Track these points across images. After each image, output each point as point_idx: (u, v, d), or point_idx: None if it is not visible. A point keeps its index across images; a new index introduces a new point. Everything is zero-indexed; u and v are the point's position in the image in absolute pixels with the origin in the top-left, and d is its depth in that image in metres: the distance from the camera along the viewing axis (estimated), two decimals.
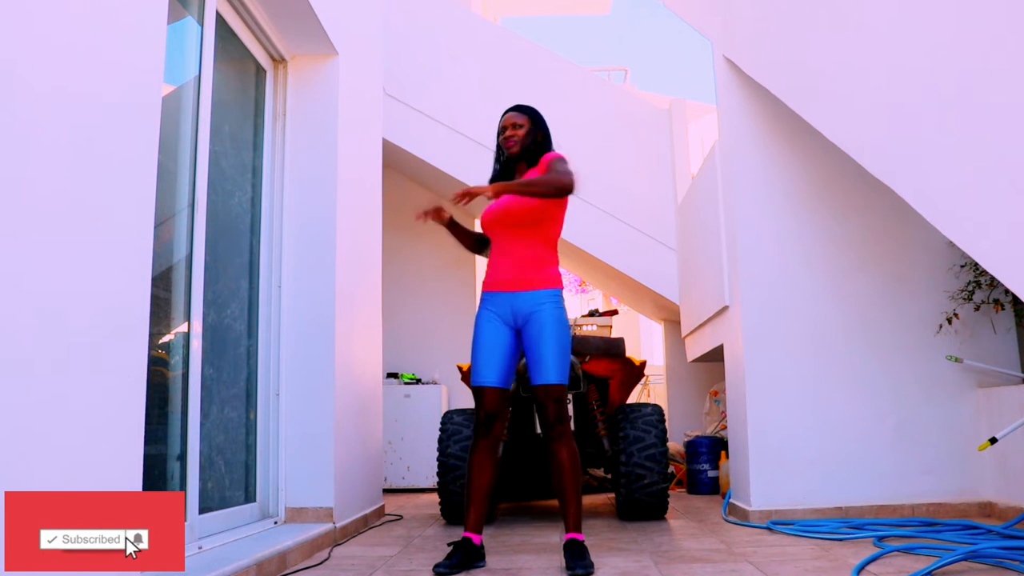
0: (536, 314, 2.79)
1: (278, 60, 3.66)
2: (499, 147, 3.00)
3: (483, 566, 2.72)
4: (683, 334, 6.00)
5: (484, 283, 2.91)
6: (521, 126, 2.92)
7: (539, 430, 3.62)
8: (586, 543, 2.74)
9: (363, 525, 3.79)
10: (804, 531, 3.33)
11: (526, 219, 2.81)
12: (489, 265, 2.92)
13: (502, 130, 2.95)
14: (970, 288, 3.73)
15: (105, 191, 1.73)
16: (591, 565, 2.57)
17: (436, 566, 2.60)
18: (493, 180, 2.99)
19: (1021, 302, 3.61)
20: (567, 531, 2.73)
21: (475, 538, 2.73)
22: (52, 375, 1.53)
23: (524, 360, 3.45)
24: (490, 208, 2.92)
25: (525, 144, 2.91)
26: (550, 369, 2.76)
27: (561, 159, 2.82)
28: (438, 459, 4.02)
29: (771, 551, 2.92)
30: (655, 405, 4.15)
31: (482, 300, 2.91)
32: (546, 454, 2.80)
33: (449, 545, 2.76)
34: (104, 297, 1.72)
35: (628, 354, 4.30)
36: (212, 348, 2.97)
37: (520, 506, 4.77)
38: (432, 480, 5.69)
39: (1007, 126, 2.13)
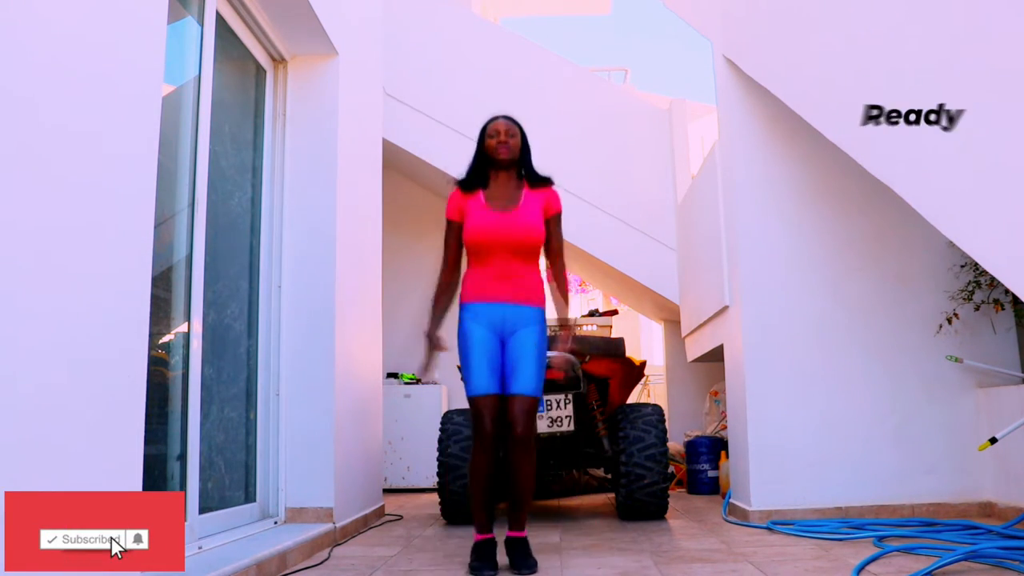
0: (527, 329, 2.85)
1: (278, 60, 3.66)
2: (481, 150, 3.00)
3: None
4: (683, 334, 6.00)
5: (469, 295, 2.88)
6: (515, 135, 2.97)
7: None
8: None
9: (363, 525, 3.79)
10: (804, 531, 3.33)
11: (536, 249, 2.93)
12: (476, 280, 2.87)
13: (494, 134, 2.96)
14: (970, 288, 3.73)
15: (105, 191, 1.73)
16: (535, 564, 2.69)
17: (473, 569, 2.65)
18: (469, 180, 2.96)
19: (1021, 302, 3.61)
20: (511, 529, 2.82)
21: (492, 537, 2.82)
22: (52, 375, 1.53)
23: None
24: (490, 228, 2.86)
25: (515, 154, 2.96)
26: (531, 381, 2.80)
27: (560, 216, 2.99)
28: (438, 459, 4.02)
29: (771, 551, 2.92)
30: (655, 405, 4.15)
31: (466, 310, 2.88)
32: (508, 461, 2.82)
33: (474, 553, 2.77)
34: (104, 297, 1.72)
35: (628, 354, 4.30)
36: (212, 348, 2.97)
37: None
38: (432, 480, 5.68)
39: (1007, 126, 2.13)
